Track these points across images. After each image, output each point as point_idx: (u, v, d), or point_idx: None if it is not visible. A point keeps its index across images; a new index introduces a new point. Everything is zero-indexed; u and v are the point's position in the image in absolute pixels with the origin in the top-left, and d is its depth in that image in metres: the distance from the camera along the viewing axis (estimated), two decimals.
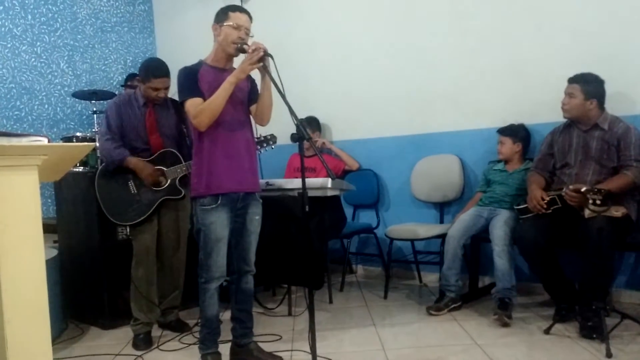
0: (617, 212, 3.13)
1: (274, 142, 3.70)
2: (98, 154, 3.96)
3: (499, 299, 3.54)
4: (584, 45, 3.80)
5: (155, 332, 3.58)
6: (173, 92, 3.48)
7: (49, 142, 1.81)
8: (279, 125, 2.96)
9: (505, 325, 3.39)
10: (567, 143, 3.53)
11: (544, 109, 3.90)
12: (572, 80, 3.43)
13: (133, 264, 3.48)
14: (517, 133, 3.97)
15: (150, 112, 3.49)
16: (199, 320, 3.01)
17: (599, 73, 3.41)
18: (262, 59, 2.64)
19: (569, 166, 3.50)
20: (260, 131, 3.36)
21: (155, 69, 3.45)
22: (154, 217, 3.46)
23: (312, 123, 5.01)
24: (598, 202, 2.88)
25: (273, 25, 5.16)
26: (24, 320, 1.75)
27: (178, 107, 3.47)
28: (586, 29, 3.80)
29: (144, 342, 3.43)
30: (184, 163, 3.46)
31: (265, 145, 3.64)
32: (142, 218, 3.41)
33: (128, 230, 3.49)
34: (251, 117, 2.97)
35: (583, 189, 3.00)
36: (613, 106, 3.47)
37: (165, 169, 3.45)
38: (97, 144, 3.89)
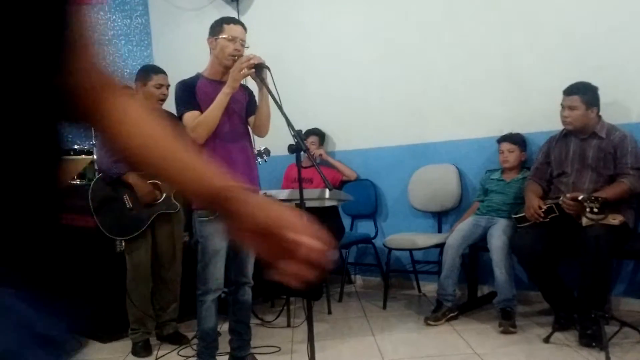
0: (614, 220, 3.14)
1: (268, 155, 3.72)
2: (96, 167, 3.96)
3: (501, 309, 3.54)
4: (579, 54, 3.82)
5: (154, 344, 3.58)
6: (167, 104, 3.50)
7: None
8: (276, 137, 2.98)
9: (510, 333, 3.41)
10: (564, 152, 3.54)
11: (540, 118, 3.92)
12: (570, 92, 3.43)
13: (128, 279, 3.48)
14: (524, 142, 3.98)
15: None
16: (197, 333, 3.00)
17: (594, 82, 3.42)
18: (257, 67, 2.66)
19: (566, 175, 3.50)
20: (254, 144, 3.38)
21: (152, 67, 3.68)
22: (148, 231, 3.46)
23: (320, 136, 5.02)
24: (595, 210, 2.88)
25: (269, 37, 5.18)
26: None
27: (172, 118, 3.50)
28: (581, 38, 3.83)
29: (143, 349, 3.46)
30: None
31: (258, 158, 3.65)
32: (137, 232, 3.41)
33: (123, 244, 3.49)
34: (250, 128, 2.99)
35: (580, 197, 3.01)
36: (609, 115, 3.49)
37: (160, 182, 3.45)
38: (95, 156, 3.90)
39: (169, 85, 3.53)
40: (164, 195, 3.46)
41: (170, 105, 3.15)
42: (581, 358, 2.94)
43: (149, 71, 3.54)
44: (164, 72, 3.55)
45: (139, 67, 3.70)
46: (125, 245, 3.47)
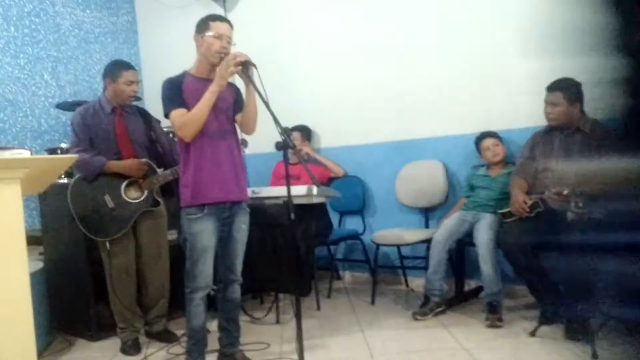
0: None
1: (245, 146, 3.72)
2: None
3: (488, 303, 3.58)
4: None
5: (143, 342, 3.58)
6: (153, 104, 3.50)
7: (31, 154, 1.82)
8: (263, 134, 2.98)
9: (496, 327, 3.44)
10: (548, 147, 3.57)
11: (524, 114, 3.94)
12: (553, 88, 3.46)
13: (114, 279, 3.47)
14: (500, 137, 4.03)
15: (119, 119, 3.48)
16: (186, 331, 3.00)
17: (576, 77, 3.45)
18: (243, 64, 2.66)
19: (551, 170, 3.53)
20: None
21: (121, 63, 3.58)
22: (131, 229, 3.46)
23: (303, 132, 5.01)
24: (580, 204, 2.91)
25: (256, 34, 5.18)
26: (8, 334, 1.74)
27: (145, 115, 3.53)
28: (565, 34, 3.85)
29: (132, 347, 3.46)
30: (159, 173, 3.46)
31: None
32: (121, 233, 3.39)
33: (108, 245, 3.44)
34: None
35: (565, 192, 3.04)
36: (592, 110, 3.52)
37: (141, 180, 3.44)
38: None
39: (138, 82, 3.52)
40: (146, 192, 3.44)
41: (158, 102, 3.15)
42: (567, 351, 2.98)
43: (119, 68, 3.47)
44: (133, 68, 3.51)
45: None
46: (110, 246, 3.44)
